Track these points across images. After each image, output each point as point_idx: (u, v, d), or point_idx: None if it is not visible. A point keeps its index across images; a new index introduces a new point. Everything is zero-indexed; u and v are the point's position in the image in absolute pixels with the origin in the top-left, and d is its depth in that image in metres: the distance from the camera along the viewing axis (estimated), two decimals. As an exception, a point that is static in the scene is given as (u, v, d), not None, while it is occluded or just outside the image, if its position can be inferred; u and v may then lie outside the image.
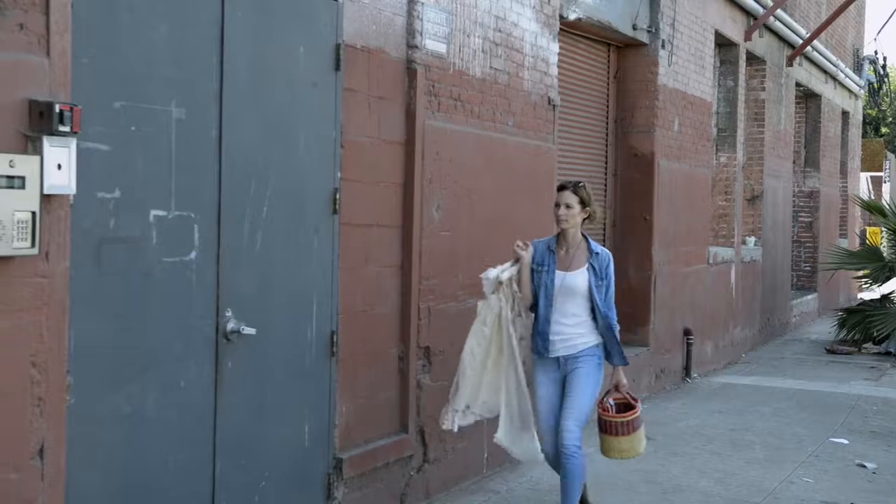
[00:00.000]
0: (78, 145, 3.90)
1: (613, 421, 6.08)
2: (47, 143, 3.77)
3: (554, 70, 8.00)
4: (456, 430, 5.98)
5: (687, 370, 11.22)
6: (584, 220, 5.93)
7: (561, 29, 8.23)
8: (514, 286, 5.88)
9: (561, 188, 5.93)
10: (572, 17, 8.48)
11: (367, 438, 5.93)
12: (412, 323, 6.22)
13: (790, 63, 14.92)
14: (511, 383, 5.86)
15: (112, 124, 4.18)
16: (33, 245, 3.73)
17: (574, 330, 5.92)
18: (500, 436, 5.92)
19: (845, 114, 19.49)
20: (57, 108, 3.73)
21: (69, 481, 3.99)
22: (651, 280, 10.17)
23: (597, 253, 5.92)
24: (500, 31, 7.18)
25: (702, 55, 11.34)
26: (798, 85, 15.89)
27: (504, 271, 5.85)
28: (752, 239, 13.85)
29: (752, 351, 13.68)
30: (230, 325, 4.77)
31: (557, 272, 5.89)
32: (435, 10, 6.36)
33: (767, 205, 14.17)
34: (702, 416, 9.41)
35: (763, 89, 13.89)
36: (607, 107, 10.11)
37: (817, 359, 13.40)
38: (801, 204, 17.49)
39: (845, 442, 8.58)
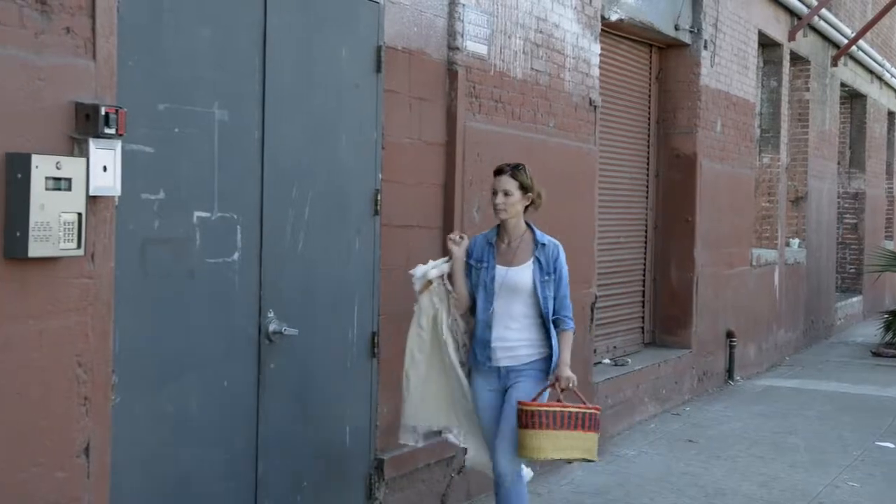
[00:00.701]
0: (123, 147, 3.94)
1: (529, 410, 4.97)
2: (93, 146, 3.81)
3: (595, 71, 7.97)
4: (420, 444, 5.39)
5: (730, 373, 11.13)
6: (528, 207, 5.21)
7: (603, 30, 8.19)
8: (448, 285, 5.20)
9: (498, 172, 5.18)
10: (614, 17, 8.44)
11: (408, 439, 5.92)
12: (453, 324, 6.21)
13: (835, 63, 14.76)
14: (458, 396, 5.26)
15: (156, 126, 4.22)
16: (79, 246, 3.78)
17: (519, 336, 5.15)
18: (472, 458, 5.39)
19: (891, 114, 19.25)
20: (103, 111, 3.78)
21: (114, 480, 4.03)
22: (693, 282, 10.10)
23: (543, 244, 5.18)
24: (541, 32, 7.16)
25: (745, 55, 11.25)
26: (843, 85, 15.72)
27: (434, 268, 5.17)
28: (796, 241, 13.72)
29: (796, 353, 13.55)
30: (272, 326, 4.80)
31: (498, 268, 5.15)
32: (476, 12, 6.36)
33: (812, 206, 14.03)
34: (745, 419, 9.33)
35: (807, 90, 13.75)
36: (649, 108, 10.05)
37: (862, 362, 13.24)
38: (846, 205, 17.30)
39: (891, 445, 8.47)
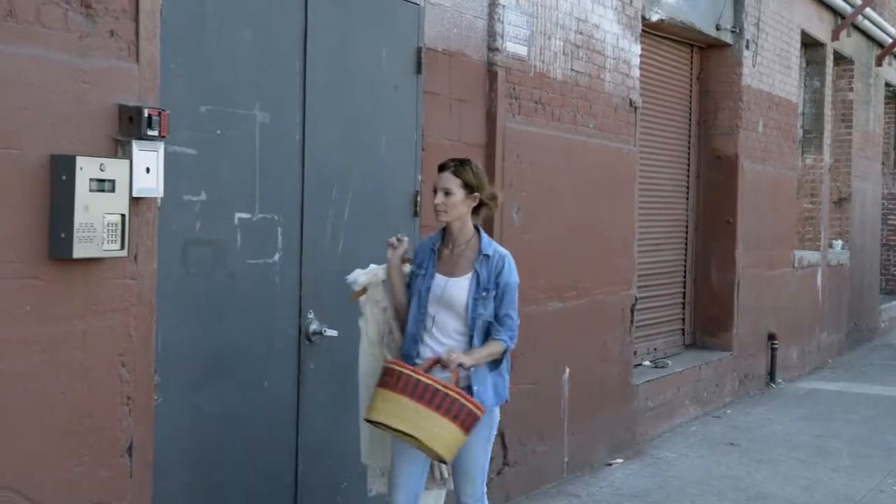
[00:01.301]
0: (165, 149, 3.97)
1: (392, 368, 4.20)
2: (136, 147, 3.85)
3: (636, 72, 7.93)
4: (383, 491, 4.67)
5: (771, 375, 11.03)
6: (479, 209, 4.49)
7: (643, 30, 8.16)
8: (383, 293, 4.55)
9: (441, 168, 4.48)
10: (655, 18, 8.40)
11: (448, 440, 5.93)
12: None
13: (879, 63, 14.59)
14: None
15: (198, 128, 4.25)
16: (122, 247, 3.81)
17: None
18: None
19: (937, 114, 19.00)
20: (146, 113, 3.81)
21: (156, 479, 4.07)
22: (734, 284, 10.02)
23: (486, 255, 4.42)
24: (581, 33, 7.14)
25: (787, 55, 11.16)
26: (888, 85, 15.53)
27: (365, 274, 4.51)
28: (840, 242, 13.57)
29: (839, 356, 13.40)
30: (313, 327, 4.82)
31: (437, 277, 4.43)
32: (516, 13, 6.35)
33: (855, 207, 13.87)
34: (787, 423, 9.25)
35: (851, 90, 13.61)
36: (690, 108, 9.99)
37: (907, 365, 13.09)
38: (891, 206, 17.09)
39: (937, 450, 8.37)
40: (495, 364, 4.43)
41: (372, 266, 4.52)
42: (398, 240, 4.54)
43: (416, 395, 4.09)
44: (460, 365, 4.25)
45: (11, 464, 3.54)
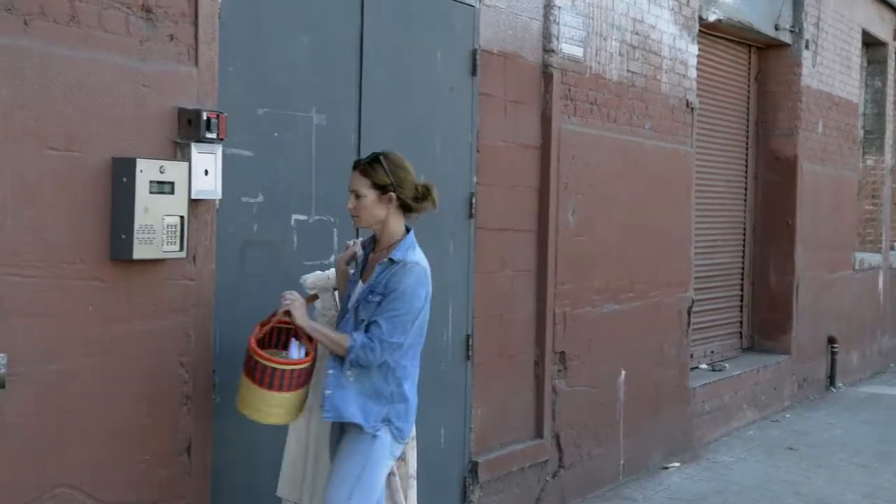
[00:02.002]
0: (223, 151, 4.02)
1: (267, 365, 3.75)
2: (195, 150, 3.89)
3: (693, 72, 7.87)
4: None
5: (831, 379, 10.87)
6: (411, 209, 3.94)
7: (700, 30, 8.09)
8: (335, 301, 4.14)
9: (354, 167, 3.97)
10: (712, 18, 8.33)
11: (503, 442, 5.93)
12: (548, 327, 6.20)
13: (942, 61, 14.32)
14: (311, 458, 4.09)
15: (255, 131, 4.29)
16: (181, 248, 3.86)
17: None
18: None
19: None
20: (204, 116, 3.86)
21: (214, 478, 4.11)
22: (793, 286, 9.90)
23: (392, 260, 3.84)
24: (637, 33, 7.10)
25: (848, 55, 11.00)
26: (951, 84, 15.24)
27: (312, 277, 4.17)
28: (902, 244, 13.35)
29: (901, 360, 13.18)
30: (368, 328, 4.83)
31: (358, 283, 3.96)
32: (572, 14, 6.33)
33: (918, 209, 13.63)
34: (847, 427, 9.11)
35: (913, 89, 13.38)
36: (748, 109, 9.89)
37: (972, 370, 12.83)
38: (954, 208, 16.75)
39: None
40: (343, 364, 3.78)
41: (328, 271, 4.18)
42: (353, 242, 4.14)
43: (247, 374, 3.79)
44: (287, 313, 3.81)
45: (74, 462, 3.59)
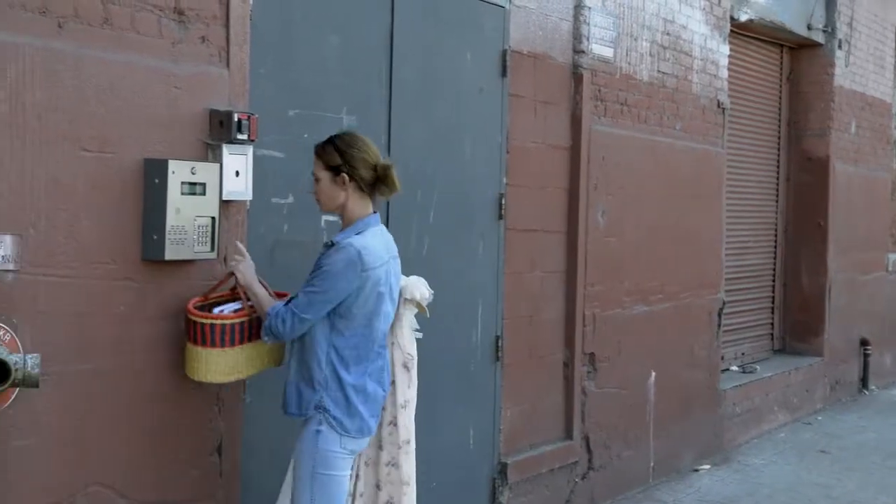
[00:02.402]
0: (254, 153, 4.04)
1: (194, 321, 3.72)
2: (226, 151, 3.92)
3: (724, 73, 7.83)
4: None
5: (864, 382, 10.78)
6: (370, 193, 3.79)
7: (731, 30, 8.05)
8: None
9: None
10: (743, 18, 8.28)
11: (532, 444, 5.92)
12: (577, 329, 6.19)
13: (978, 61, 14.17)
14: None
15: (286, 132, 4.31)
16: (212, 249, 3.88)
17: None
18: None
19: None
20: (235, 117, 3.88)
21: (244, 477, 4.13)
22: (825, 288, 9.82)
23: (331, 243, 3.72)
24: (668, 34, 7.07)
25: (882, 55, 10.90)
26: None
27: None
28: (936, 246, 13.20)
29: (935, 363, 13.04)
30: (398, 329, 4.83)
31: None
32: (602, 15, 6.31)
33: (952, 210, 13.48)
34: (880, 430, 9.02)
35: (947, 89, 13.23)
36: (779, 109, 9.82)
37: None
38: None
39: None
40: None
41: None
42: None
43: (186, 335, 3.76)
44: (231, 274, 3.80)
45: (106, 461, 3.62)
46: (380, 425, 3.94)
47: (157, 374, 3.78)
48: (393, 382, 3.96)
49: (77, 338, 3.52)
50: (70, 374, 3.51)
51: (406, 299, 3.98)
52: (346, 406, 3.69)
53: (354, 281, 3.63)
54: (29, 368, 3.23)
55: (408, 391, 4.00)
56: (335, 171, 3.74)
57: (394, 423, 3.97)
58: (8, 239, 3.31)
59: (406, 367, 3.99)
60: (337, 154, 3.74)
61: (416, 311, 4.04)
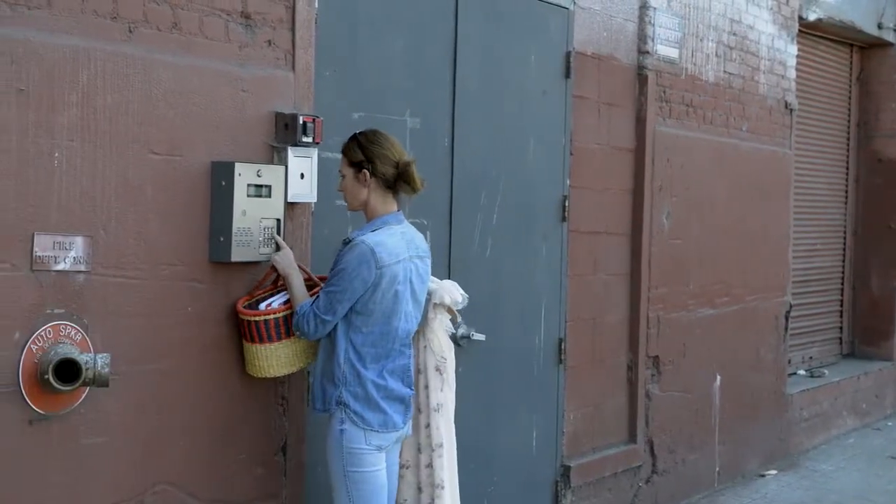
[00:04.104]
0: (319, 155, 4.07)
1: (243, 319, 3.78)
2: (291, 154, 3.95)
3: (792, 73, 7.72)
4: None
5: (936, 387, 10.55)
6: (394, 189, 3.78)
7: (800, 30, 7.94)
8: None
9: None
10: (812, 17, 8.16)
11: (595, 447, 5.89)
12: (641, 331, 6.14)
13: None
14: None
15: (350, 135, 4.32)
16: (277, 251, 3.91)
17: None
18: None
19: None
20: (301, 120, 3.91)
21: (309, 477, 4.16)
22: (896, 291, 9.64)
23: (347, 241, 3.77)
24: (734, 34, 6.99)
25: (954, 53, 10.66)
26: None
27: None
28: None
29: None
30: (461, 331, 4.85)
31: None
32: (667, 15, 6.26)
33: None
34: (952, 437, 8.84)
35: None
36: (849, 110, 9.66)
37: None
38: None
39: None
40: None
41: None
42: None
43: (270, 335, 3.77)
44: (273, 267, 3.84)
45: (173, 461, 3.67)
46: (417, 428, 3.97)
47: (222, 375, 3.82)
48: (426, 386, 3.96)
49: (146, 338, 3.57)
50: (139, 374, 3.56)
51: (435, 304, 3.98)
52: (367, 400, 3.70)
53: (369, 278, 3.65)
54: (99, 368, 3.29)
55: (440, 394, 3.98)
56: (358, 167, 3.75)
57: (428, 426, 3.98)
58: (80, 240, 3.37)
59: (438, 370, 3.98)
60: (360, 150, 3.75)
61: (448, 315, 4.03)
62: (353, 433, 3.69)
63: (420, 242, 3.88)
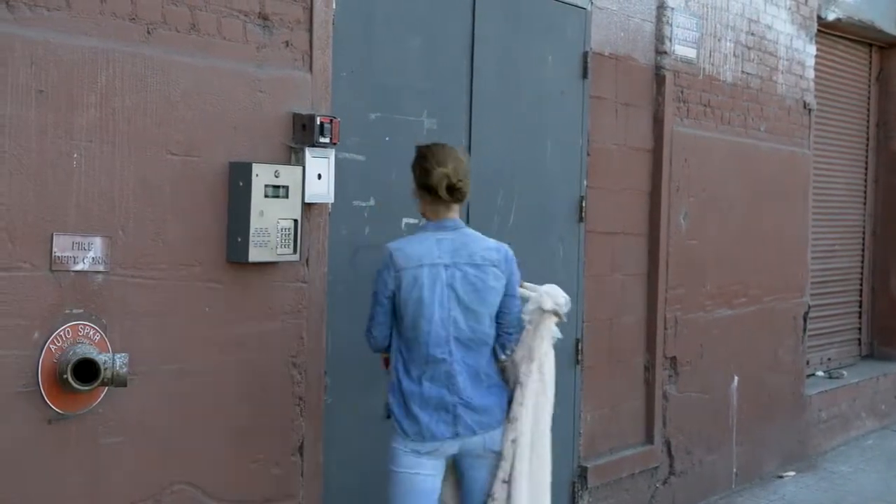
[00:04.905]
0: (336, 156, 4.07)
1: None
2: (309, 154, 3.96)
3: (810, 73, 7.69)
4: None
5: (955, 389, 10.48)
6: (440, 198, 3.80)
7: (818, 30, 7.90)
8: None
9: None
10: (831, 17, 8.12)
11: (612, 448, 5.88)
12: (658, 332, 6.13)
13: None
14: None
15: (367, 135, 4.34)
16: (295, 251, 3.93)
17: None
18: None
19: None
20: (318, 121, 3.92)
21: (326, 478, 4.17)
22: (916, 292, 9.59)
23: None
24: (752, 34, 6.97)
25: (974, 52, 10.60)
26: None
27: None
28: None
29: None
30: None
31: None
32: (685, 15, 6.25)
33: None
34: (973, 439, 8.79)
35: None
36: (868, 110, 9.61)
37: None
38: None
39: None
40: None
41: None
42: None
43: None
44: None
45: (191, 460, 3.69)
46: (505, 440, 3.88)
47: (240, 375, 3.84)
48: (521, 403, 3.89)
49: (164, 338, 3.59)
50: (157, 374, 3.57)
51: (540, 310, 3.93)
52: (405, 410, 3.75)
53: (389, 281, 3.74)
54: (117, 368, 3.30)
55: (518, 408, 3.88)
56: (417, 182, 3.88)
57: (514, 441, 3.89)
58: (98, 241, 3.39)
59: (520, 382, 3.90)
60: (413, 164, 3.89)
61: (555, 319, 3.97)
62: (395, 435, 3.79)
63: (477, 249, 3.82)
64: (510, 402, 3.88)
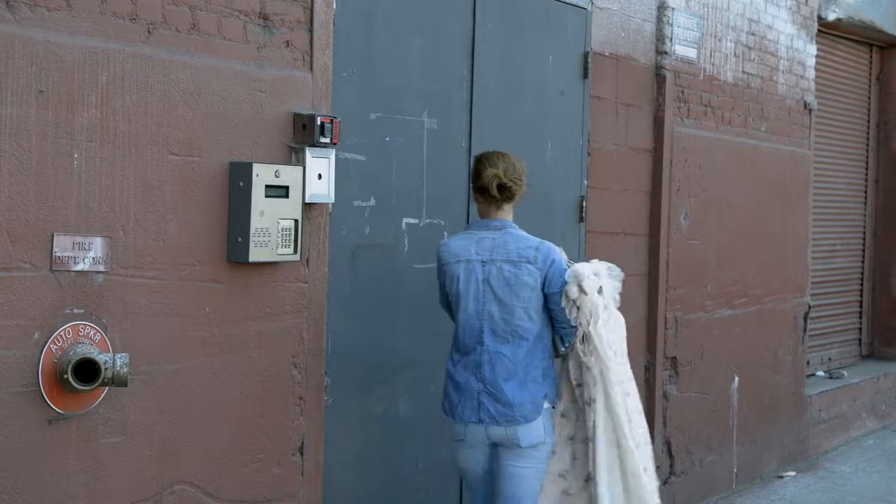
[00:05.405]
0: (336, 156, 4.08)
1: None
2: (309, 154, 3.96)
3: (811, 73, 7.69)
4: None
5: (956, 389, 10.48)
6: (492, 198, 4.09)
7: (819, 30, 7.90)
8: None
9: None
10: (832, 17, 8.12)
11: (613, 448, 5.87)
12: (659, 332, 6.12)
13: None
14: None
15: (368, 135, 4.34)
16: (295, 251, 3.93)
17: None
18: None
19: None
20: (318, 121, 3.92)
21: (326, 478, 4.17)
22: (916, 293, 9.58)
23: None
24: (753, 34, 6.97)
25: (975, 53, 10.60)
26: None
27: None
28: None
29: None
30: (478, 331, 4.84)
31: None
32: (686, 15, 6.25)
33: None
34: (974, 439, 8.78)
35: None
36: (868, 110, 9.61)
37: None
38: None
39: None
40: None
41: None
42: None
43: None
44: None
45: (191, 460, 3.69)
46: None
47: (241, 375, 3.84)
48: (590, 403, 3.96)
49: (164, 338, 3.59)
50: (157, 374, 3.58)
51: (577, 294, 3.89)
52: (445, 389, 4.08)
53: (440, 274, 4.13)
54: (118, 368, 3.30)
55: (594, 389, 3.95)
56: None
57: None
58: (98, 241, 3.39)
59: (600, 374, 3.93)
60: (471, 168, 4.25)
61: (589, 296, 3.89)
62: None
63: (515, 247, 3.99)
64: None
